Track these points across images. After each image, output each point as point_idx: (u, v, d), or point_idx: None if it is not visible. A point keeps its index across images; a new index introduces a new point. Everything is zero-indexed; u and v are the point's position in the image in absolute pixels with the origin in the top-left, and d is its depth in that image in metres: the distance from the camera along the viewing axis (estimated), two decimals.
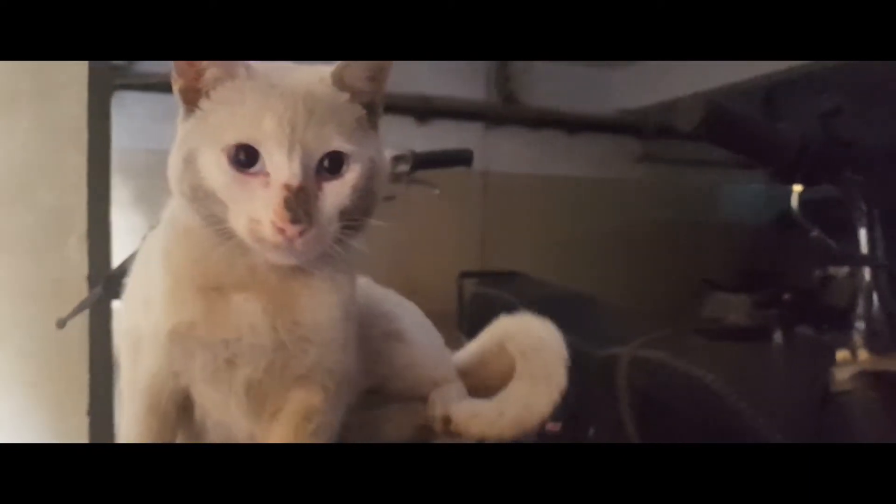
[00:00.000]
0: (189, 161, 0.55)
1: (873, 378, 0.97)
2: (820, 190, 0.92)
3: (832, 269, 1.12)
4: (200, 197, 0.55)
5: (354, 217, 0.56)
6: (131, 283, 0.69)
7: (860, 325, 1.02)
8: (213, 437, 0.66)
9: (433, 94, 5.76)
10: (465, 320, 1.78)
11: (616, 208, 3.24)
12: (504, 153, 3.38)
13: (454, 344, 0.94)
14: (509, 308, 0.92)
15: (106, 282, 0.96)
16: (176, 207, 0.62)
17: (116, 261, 1.36)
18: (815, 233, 0.90)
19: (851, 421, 0.95)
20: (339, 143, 0.54)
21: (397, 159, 1.34)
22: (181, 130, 0.57)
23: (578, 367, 0.91)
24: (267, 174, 0.53)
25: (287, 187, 0.51)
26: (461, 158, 1.48)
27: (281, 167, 0.52)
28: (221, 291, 0.59)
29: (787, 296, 1.26)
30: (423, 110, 5.73)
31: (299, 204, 0.51)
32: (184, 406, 0.64)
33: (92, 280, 1.36)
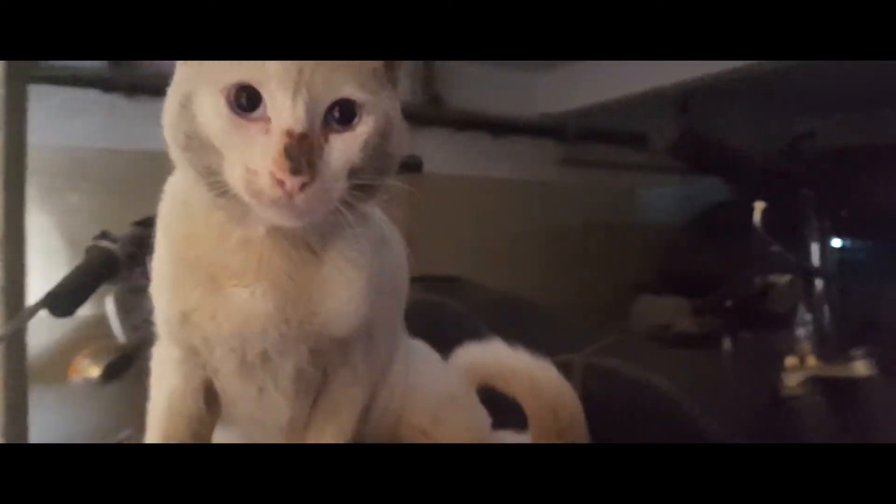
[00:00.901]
0: (184, 105, 0.48)
1: (822, 383, 1.03)
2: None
3: (772, 278, 1.17)
4: (195, 146, 0.48)
5: (365, 177, 0.49)
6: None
7: (809, 332, 1.08)
8: (242, 428, 0.63)
9: None
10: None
11: (540, 211, 3.30)
12: (430, 154, 3.36)
13: None
14: (454, 315, 0.90)
15: (48, 298, 0.87)
16: (174, 179, 0.57)
17: (31, 269, 1.26)
18: (775, 247, 0.94)
19: (801, 424, 1.00)
20: (351, 91, 0.48)
21: None
22: (179, 73, 0.51)
23: None
24: (268, 120, 0.46)
25: (289, 133, 0.45)
26: (411, 165, 1.45)
27: (284, 111, 0.45)
28: (219, 281, 0.53)
29: (729, 302, 1.31)
30: None
31: (302, 153, 0.45)
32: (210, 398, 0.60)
33: (7, 291, 1.24)
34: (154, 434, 0.61)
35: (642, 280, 2.62)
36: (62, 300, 0.89)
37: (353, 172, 0.48)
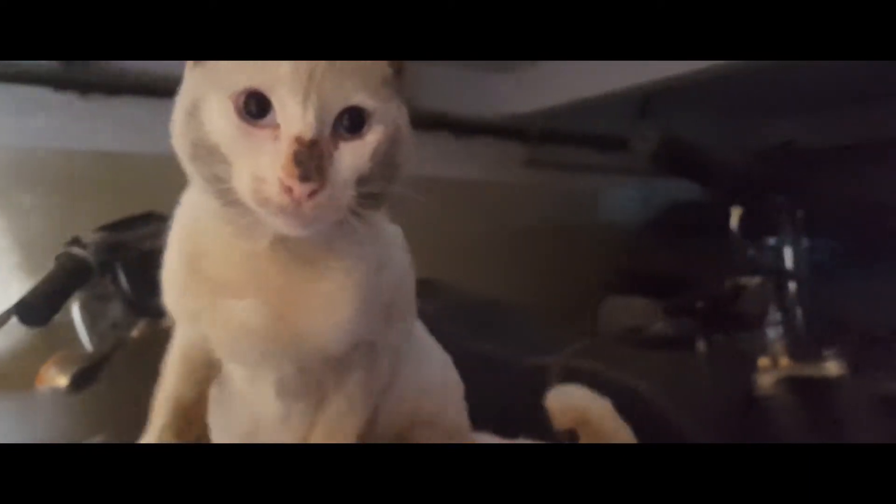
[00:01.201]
0: (192, 112, 0.48)
1: (795, 383, 1.05)
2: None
3: (743, 280, 1.20)
4: (202, 154, 0.47)
5: (373, 186, 0.49)
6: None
7: (780, 333, 1.10)
8: (240, 406, 0.63)
9: None
10: None
11: (505, 212, 3.32)
12: None
13: None
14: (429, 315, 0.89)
15: (20, 307, 0.83)
16: (190, 192, 0.56)
17: None
18: (751, 251, 0.96)
19: (775, 423, 1.02)
20: (361, 99, 0.47)
21: None
22: (188, 79, 0.50)
23: (503, 375, 0.91)
24: (277, 126, 0.45)
25: (298, 140, 0.44)
26: None
27: (293, 117, 0.45)
28: (222, 293, 0.53)
29: (700, 304, 1.33)
30: None
31: (311, 160, 0.44)
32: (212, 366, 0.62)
33: None
34: (166, 380, 0.62)
35: (609, 281, 2.65)
36: (35, 309, 0.86)
37: (361, 180, 0.48)
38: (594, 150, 3.52)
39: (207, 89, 0.47)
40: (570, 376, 1.19)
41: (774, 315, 1.12)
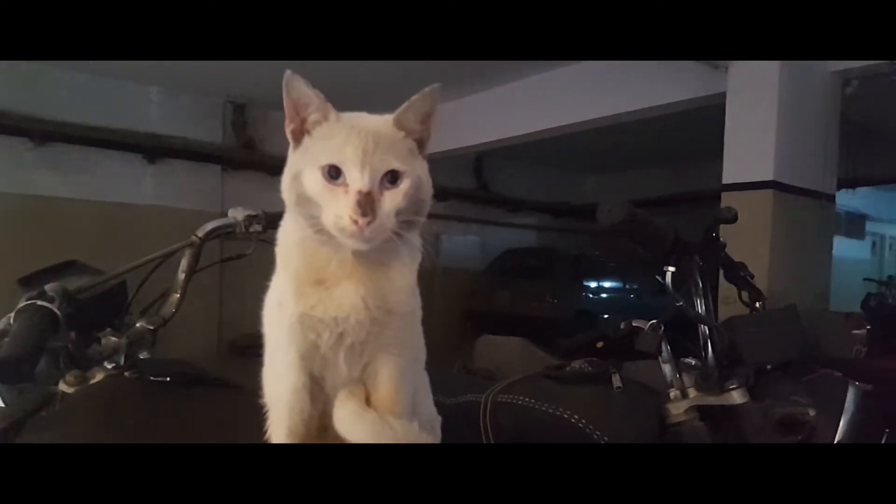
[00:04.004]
0: (296, 177, 0.77)
1: (703, 411, 1.23)
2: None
3: (636, 322, 1.38)
4: (303, 202, 0.76)
5: (406, 216, 0.77)
6: (270, 293, 0.89)
7: (680, 367, 1.28)
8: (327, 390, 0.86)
9: (165, 132, 5.39)
10: None
11: None
12: (243, 197, 3.33)
13: None
14: None
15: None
16: (286, 227, 0.84)
17: None
18: (680, 303, 1.13)
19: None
20: (396, 164, 0.76)
21: (251, 219, 1.31)
22: (291, 158, 0.79)
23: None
24: (346, 185, 0.74)
25: (360, 192, 0.73)
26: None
27: (356, 180, 0.74)
28: (326, 285, 0.80)
29: (599, 344, 1.50)
30: (154, 149, 5.34)
31: (367, 203, 0.73)
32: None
33: None
34: (279, 431, 0.86)
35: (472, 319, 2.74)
36: (17, 367, 0.78)
37: (398, 213, 0.76)
38: (434, 200, 3.74)
39: (304, 164, 0.77)
40: (502, 410, 1.29)
41: (667, 352, 1.30)
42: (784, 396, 1.14)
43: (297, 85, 0.76)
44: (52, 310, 0.94)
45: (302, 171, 0.76)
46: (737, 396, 1.18)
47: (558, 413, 1.22)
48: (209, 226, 1.33)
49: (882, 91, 3.78)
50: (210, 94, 5.66)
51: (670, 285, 1.18)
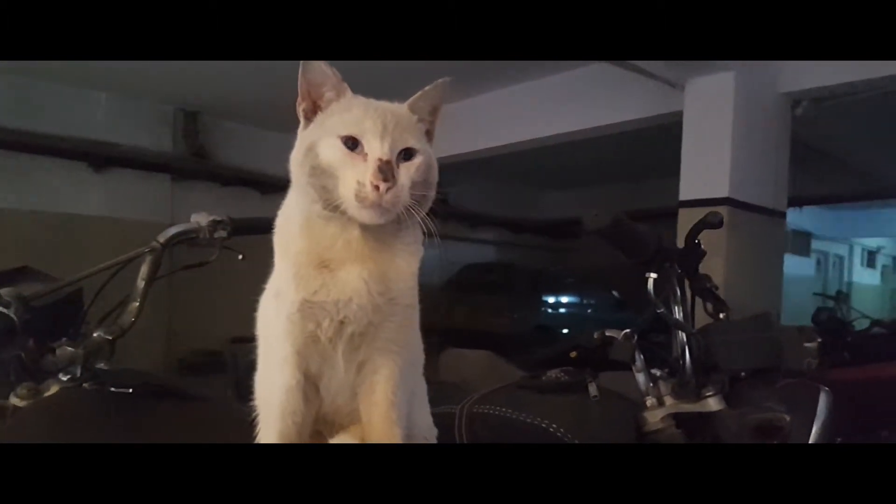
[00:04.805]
0: (310, 150, 0.79)
1: (679, 419, 1.23)
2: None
3: (609, 332, 1.37)
4: (318, 174, 0.78)
5: (418, 191, 0.80)
6: (266, 291, 0.89)
7: (654, 376, 1.28)
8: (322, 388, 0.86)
9: (112, 140, 5.21)
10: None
11: None
12: (194, 207, 3.23)
13: None
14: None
15: None
16: (287, 210, 0.85)
17: None
18: (661, 310, 1.13)
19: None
20: (412, 143, 0.81)
21: (216, 224, 1.26)
22: (302, 135, 0.83)
23: None
24: (365, 154, 0.78)
25: (380, 160, 0.77)
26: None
27: (376, 149, 0.78)
28: (330, 267, 0.80)
29: (573, 353, 1.49)
30: (101, 157, 5.14)
31: (387, 170, 0.76)
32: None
33: None
34: (270, 432, 0.84)
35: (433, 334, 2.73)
36: None
37: (412, 185, 0.79)
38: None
39: (320, 135, 0.80)
40: (478, 420, 1.26)
41: (641, 361, 1.30)
42: (758, 403, 1.15)
43: (314, 65, 0.80)
44: (8, 315, 0.88)
45: (317, 142, 0.79)
46: (713, 403, 1.18)
47: (535, 422, 1.20)
48: (171, 231, 1.28)
49: (829, 113, 3.92)
50: (160, 100, 5.50)
51: (652, 292, 1.18)
